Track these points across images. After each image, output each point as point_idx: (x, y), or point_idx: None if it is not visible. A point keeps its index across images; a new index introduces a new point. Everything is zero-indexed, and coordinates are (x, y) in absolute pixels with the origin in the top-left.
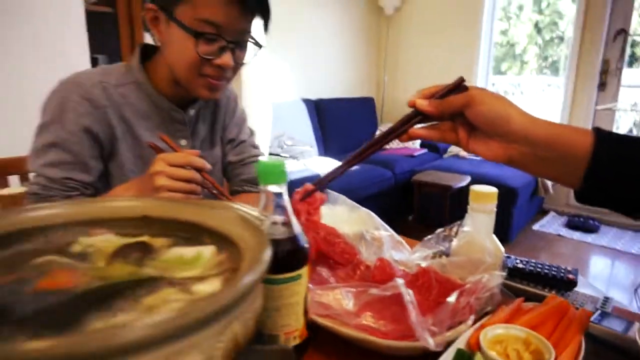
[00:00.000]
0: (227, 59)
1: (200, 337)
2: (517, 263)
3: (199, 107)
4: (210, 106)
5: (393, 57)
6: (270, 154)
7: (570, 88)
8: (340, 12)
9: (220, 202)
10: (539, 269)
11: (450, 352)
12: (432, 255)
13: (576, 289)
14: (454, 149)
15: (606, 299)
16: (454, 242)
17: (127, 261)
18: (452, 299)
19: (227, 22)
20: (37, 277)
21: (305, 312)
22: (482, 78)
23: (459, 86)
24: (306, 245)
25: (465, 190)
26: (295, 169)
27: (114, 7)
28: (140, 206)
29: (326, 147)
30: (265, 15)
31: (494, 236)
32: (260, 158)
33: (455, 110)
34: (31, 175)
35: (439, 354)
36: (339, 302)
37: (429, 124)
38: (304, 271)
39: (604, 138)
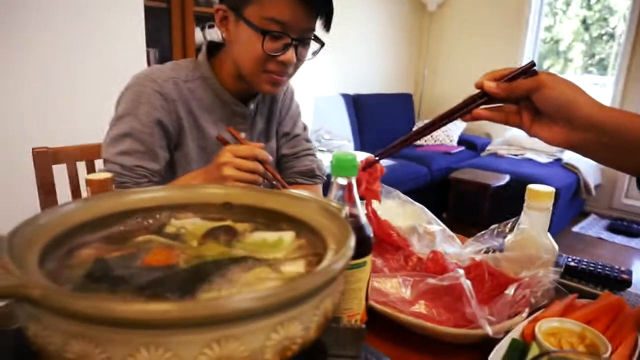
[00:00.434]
0: (290, 55)
1: (301, 309)
2: (569, 261)
3: (257, 101)
4: (267, 100)
5: (433, 54)
6: None
7: (620, 87)
8: (382, 7)
9: (298, 193)
10: (591, 268)
11: (505, 342)
12: (485, 250)
13: (629, 289)
14: (491, 147)
15: None
16: (509, 238)
17: (217, 242)
18: (510, 291)
19: (293, 20)
20: (142, 254)
21: (367, 297)
22: None
23: (528, 70)
24: (371, 235)
25: (503, 189)
26: None
27: (167, 3)
28: (222, 193)
29: (362, 142)
30: (329, 14)
31: (549, 234)
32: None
33: (523, 94)
34: (100, 162)
35: (493, 343)
36: (396, 290)
37: (493, 105)
38: (369, 259)
39: None
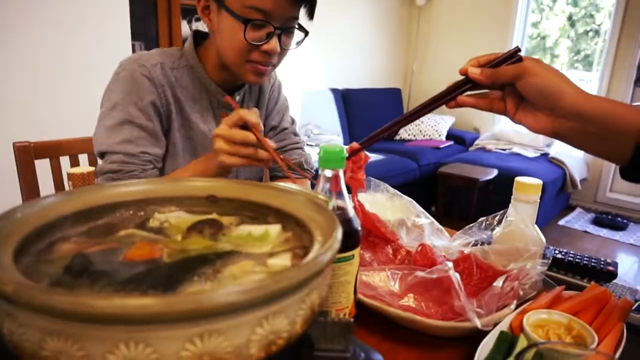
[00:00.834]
0: (273, 44)
1: (287, 303)
2: (556, 254)
3: (244, 92)
4: (254, 93)
5: (422, 49)
6: None
7: (605, 83)
8: (371, 2)
9: (285, 185)
10: (578, 260)
11: (493, 334)
12: (473, 242)
13: (615, 281)
14: (479, 142)
15: None
16: (497, 231)
17: (202, 236)
18: (498, 283)
19: (275, 8)
20: (124, 248)
21: (355, 291)
22: None
23: (513, 56)
24: (359, 228)
25: (490, 184)
26: None
27: None
28: (206, 186)
29: (352, 136)
30: (312, 3)
31: (536, 226)
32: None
33: (507, 81)
34: (84, 157)
35: (481, 335)
36: (385, 283)
37: (478, 92)
38: (357, 252)
39: None
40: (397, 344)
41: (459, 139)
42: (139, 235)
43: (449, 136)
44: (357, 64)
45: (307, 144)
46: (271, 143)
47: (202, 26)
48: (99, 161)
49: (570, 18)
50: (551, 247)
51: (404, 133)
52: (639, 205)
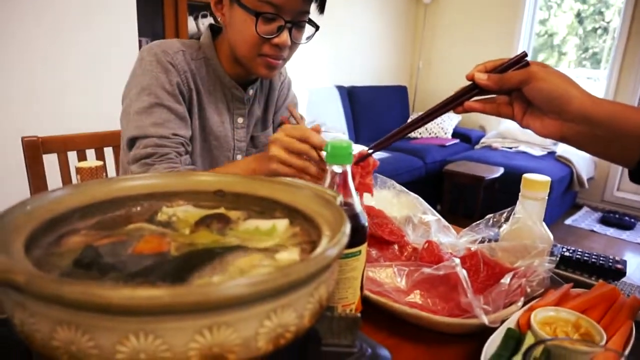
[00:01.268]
0: (284, 37)
1: (295, 296)
2: (564, 251)
3: (256, 88)
4: (265, 89)
5: (428, 46)
6: None
7: (614, 81)
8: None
9: (293, 180)
10: (586, 258)
11: (501, 331)
12: (480, 239)
13: (624, 279)
14: (485, 140)
15: None
16: (504, 228)
17: (210, 230)
18: (505, 280)
19: (286, 2)
20: (133, 241)
21: (362, 287)
22: None
23: (520, 61)
24: (366, 224)
25: (496, 182)
26: None
27: None
28: (214, 181)
29: (357, 134)
30: None
31: (544, 224)
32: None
33: (513, 86)
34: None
35: (488, 332)
36: (391, 279)
37: (485, 97)
38: (363, 248)
39: None
40: (404, 340)
41: (465, 137)
42: (147, 228)
43: (455, 134)
44: (363, 62)
45: None
46: None
47: (208, 23)
48: (126, 150)
49: (578, 15)
50: (559, 245)
51: None
52: None
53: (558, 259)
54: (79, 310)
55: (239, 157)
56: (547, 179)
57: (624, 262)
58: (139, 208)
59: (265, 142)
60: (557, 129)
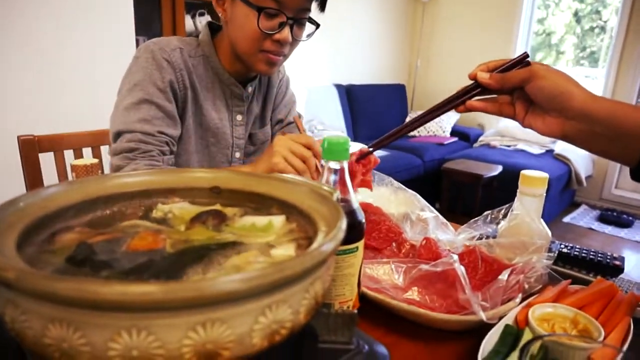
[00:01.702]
0: (285, 34)
1: (290, 292)
2: (562, 248)
3: (254, 85)
4: (263, 87)
5: (427, 45)
6: None
7: (611, 80)
8: None
9: (289, 177)
10: (584, 254)
11: (498, 327)
12: (478, 236)
13: (622, 275)
14: (484, 138)
15: None
16: (502, 224)
17: (206, 226)
18: (503, 276)
19: None
20: (127, 238)
21: (359, 284)
22: None
23: (522, 61)
24: (363, 220)
25: (495, 180)
26: None
27: None
28: (210, 177)
29: (356, 132)
30: None
31: (542, 220)
32: (325, 135)
33: (516, 85)
34: (88, 150)
35: (486, 328)
36: (389, 276)
37: (486, 97)
38: (360, 244)
39: None
40: (401, 337)
41: (464, 135)
42: (142, 225)
43: (454, 132)
44: (362, 60)
45: None
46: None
47: (205, 21)
48: (113, 143)
49: (576, 14)
50: (557, 241)
51: None
52: None
53: (556, 255)
54: (70, 307)
55: (237, 154)
56: (545, 175)
57: (622, 259)
58: (134, 205)
59: (263, 140)
60: (558, 127)
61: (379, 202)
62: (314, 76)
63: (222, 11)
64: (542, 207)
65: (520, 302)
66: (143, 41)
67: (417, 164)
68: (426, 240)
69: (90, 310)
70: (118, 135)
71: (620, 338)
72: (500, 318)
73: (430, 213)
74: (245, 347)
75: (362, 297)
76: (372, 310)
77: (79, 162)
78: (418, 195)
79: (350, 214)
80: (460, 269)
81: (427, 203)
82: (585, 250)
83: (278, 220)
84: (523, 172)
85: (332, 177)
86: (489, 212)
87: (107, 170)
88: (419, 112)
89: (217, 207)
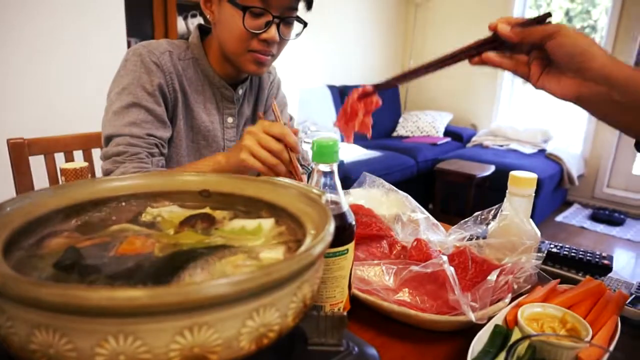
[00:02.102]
0: (272, 33)
1: (278, 295)
2: (551, 247)
3: (245, 87)
4: (254, 89)
5: (419, 46)
6: None
7: None
8: None
9: (279, 180)
10: (573, 254)
11: (488, 327)
12: (468, 237)
13: (610, 274)
14: (477, 138)
15: None
16: (492, 225)
17: (195, 230)
18: (492, 277)
19: None
20: (116, 242)
21: (350, 286)
22: None
23: (543, 21)
24: (353, 222)
25: (487, 180)
26: None
27: None
28: (199, 180)
29: None
30: None
31: (531, 220)
32: (317, 136)
33: (536, 40)
34: (79, 153)
35: (476, 329)
36: (380, 278)
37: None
38: (351, 246)
39: None
40: (392, 338)
41: (456, 135)
42: (131, 229)
43: (447, 133)
44: (354, 61)
45: (304, 142)
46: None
47: (197, 23)
48: (104, 148)
49: (567, 14)
50: (546, 241)
51: (401, 129)
52: (636, 201)
53: (545, 255)
54: (56, 312)
55: None
56: (534, 175)
57: (611, 258)
58: (122, 209)
59: None
60: (574, 89)
61: (370, 204)
62: (307, 77)
63: (210, 13)
64: (531, 207)
65: (510, 302)
66: (134, 43)
67: (410, 164)
68: (417, 242)
69: (76, 315)
70: (109, 139)
71: (607, 337)
72: (490, 318)
73: (421, 214)
74: (233, 350)
75: (353, 299)
76: (363, 311)
77: (69, 165)
78: (409, 197)
79: (340, 216)
80: (450, 270)
81: (418, 204)
82: (575, 249)
83: (267, 223)
84: (512, 172)
85: (322, 180)
86: (479, 212)
87: (97, 172)
88: (413, 113)
89: (207, 210)
